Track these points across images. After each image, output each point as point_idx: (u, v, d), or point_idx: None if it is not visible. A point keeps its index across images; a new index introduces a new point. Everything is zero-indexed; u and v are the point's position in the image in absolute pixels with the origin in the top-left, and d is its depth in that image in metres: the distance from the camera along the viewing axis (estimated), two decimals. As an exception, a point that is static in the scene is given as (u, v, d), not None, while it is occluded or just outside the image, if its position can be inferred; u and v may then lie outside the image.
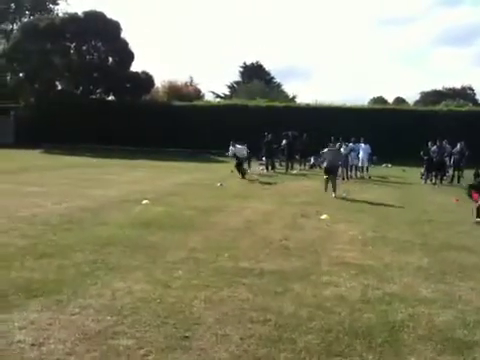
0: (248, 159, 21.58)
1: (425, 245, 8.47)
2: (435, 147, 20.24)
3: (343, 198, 13.99)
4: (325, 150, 15.28)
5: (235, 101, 38.86)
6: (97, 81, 38.75)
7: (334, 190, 14.32)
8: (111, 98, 40.19)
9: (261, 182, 18.32)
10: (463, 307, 5.44)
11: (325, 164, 15.18)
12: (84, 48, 38.85)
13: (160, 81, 45.26)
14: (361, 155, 21.37)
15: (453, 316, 5.15)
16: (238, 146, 19.83)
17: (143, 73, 39.59)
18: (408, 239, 8.86)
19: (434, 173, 19.87)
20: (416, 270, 6.87)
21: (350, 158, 20.85)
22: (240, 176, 18.95)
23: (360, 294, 5.74)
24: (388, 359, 4.13)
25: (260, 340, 4.42)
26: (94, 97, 39.20)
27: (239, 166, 19.40)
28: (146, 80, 39.31)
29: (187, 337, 4.43)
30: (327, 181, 14.80)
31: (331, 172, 14.84)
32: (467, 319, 5.06)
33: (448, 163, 20.36)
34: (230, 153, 20.45)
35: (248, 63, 64.21)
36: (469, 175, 20.41)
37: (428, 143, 20.81)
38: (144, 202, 11.72)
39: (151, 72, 40.11)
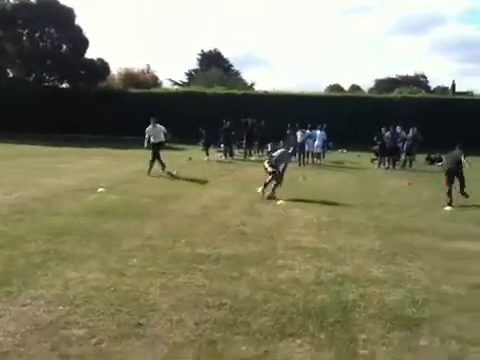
0: (208, 146, 21.57)
1: (377, 228, 8.71)
2: (388, 133, 20.75)
3: (300, 183, 14.16)
4: (277, 153, 12.60)
5: (193, 88, 38.53)
6: (50, 68, 37.58)
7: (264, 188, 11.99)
8: (65, 85, 39.12)
9: (219, 169, 18.31)
10: (412, 286, 5.63)
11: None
12: (37, 35, 37.51)
13: (116, 68, 44.45)
14: (317, 142, 21.66)
15: (402, 295, 5.33)
16: (158, 126, 16.45)
17: (98, 60, 38.67)
18: (361, 222, 9.08)
19: (387, 158, 20.38)
20: (368, 252, 7.06)
21: (307, 145, 21.14)
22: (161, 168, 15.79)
23: (314, 276, 5.86)
24: (340, 338, 4.23)
25: (215, 324, 4.45)
26: (47, 85, 38.04)
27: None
28: (101, 67, 38.42)
29: (141, 324, 4.41)
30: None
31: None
32: (416, 298, 5.24)
33: (401, 148, 20.90)
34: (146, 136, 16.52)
35: (206, 50, 63.74)
36: (421, 159, 21.14)
37: (381, 129, 21.30)
38: (99, 190, 11.50)
39: (107, 59, 39.36)
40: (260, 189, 11.89)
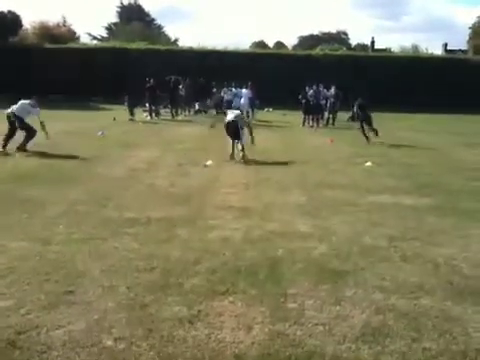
0: (133, 106, 20.95)
1: (302, 184, 8.98)
2: (312, 91, 21.17)
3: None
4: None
5: (113, 43, 36.85)
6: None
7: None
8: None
9: (145, 130, 17.91)
10: (336, 239, 5.89)
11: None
12: None
13: (29, 22, 41.49)
14: (242, 100, 21.68)
15: (328, 248, 5.57)
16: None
17: (9, 13, 35.95)
18: (288, 179, 9.32)
19: (311, 116, 20.84)
20: (294, 208, 7.28)
21: (234, 103, 21.10)
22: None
23: (243, 234, 5.97)
24: (270, 293, 4.38)
25: (147, 287, 4.44)
26: None
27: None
28: (12, 20, 35.81)
29: (71, 292, 4.31)
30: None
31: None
32: (340, 250, 5.50)
33: (324, 106, 21.43)
34: None
35: (126, 3, 60.99)
36: (343, 117, 21.82)
37: (306, 87, 21.67)
38: (17, 155, 10.91)
39: (18, 12, 36.58)
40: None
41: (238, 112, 12.29)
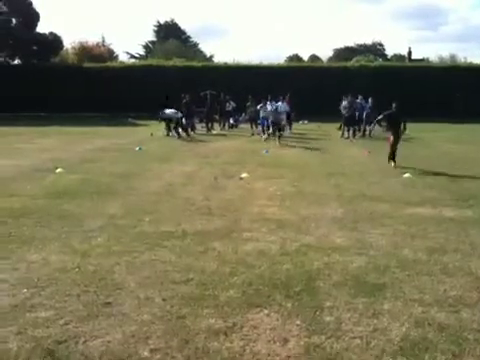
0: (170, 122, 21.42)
1: (339, 196, 8.87)
2: (346, 102, 20.98)
3: (264, 155, 14.23)
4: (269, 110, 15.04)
5: (151, 62, 37.68)
6: (0, 44, 35.93)
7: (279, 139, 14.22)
8: (17, 62, 37.60)
9: (181, 144, 18.15)
10: (374, 252, 5.78)
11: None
12: (-16, 10, 35.79)
13: (69, 42, 42.97)
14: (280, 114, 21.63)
15: (365, 262, 5.47)
16: (167, 111, 20.50)
17: (51, 34, 37.29)
18: (324, 192, 9.23)
19: (347, 128, 20.65)
20: (331, 221, 7.20)
21: (272, 118, 21.09)
22: (177, 136, 19.98)
23: (279, 247, 5.94)
24: (306, 306, 4.33)
25: (183, 299, 4.47)
26: (-2, 62, 36.50)
27: (176, 127, 20.43)
28: (54, 41, 37.15)
29: (109, 303, 4.39)
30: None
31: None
32: (378, 263, 5.40)
33: (361, 118, 21.16)
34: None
35: (162, 22, 62.35)
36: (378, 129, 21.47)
37: (342, 99, 21.52)
38: (58, 171, 11.23)
39: (59, 33, 37.96)
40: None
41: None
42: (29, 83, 31.98)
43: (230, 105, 24.96)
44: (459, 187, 9.68)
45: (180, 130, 20.48)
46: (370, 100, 21.48)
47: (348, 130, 20.57)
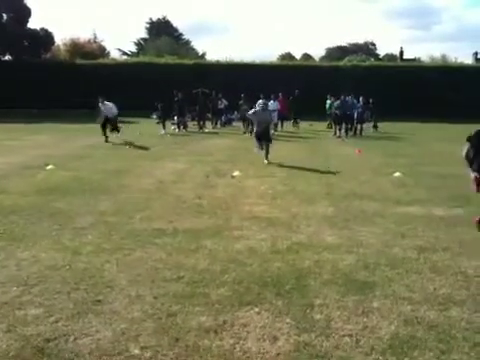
0: (165, 119, 21.31)
1: (330, 195, 8.90)
2: (338, 102, 21.07)
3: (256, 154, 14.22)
4: (255, 110, 13.13)
5: (142, 59, 37.62)
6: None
7: (266, 155, 12.61)
8: (8, 58, 37.32)
9: (173, 142, 18.11)
10: (364, 251, 5.80)
11: (255, 128, 13.05)
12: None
13: (61, 38, 42.74)
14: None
15: (355, 260, 5.50)
16: (107, 104, 17.50)
17: (42, 30, 37.07)
18: (315, 190, 9.26)
19: (338, 127, 20.73)
20: (322, 219, 7.23)
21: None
22: (104, 137, 17.16)
23: (270, 245, 5.96)
24: (296, 304, 4.34)
25: (174, 297, 4.47)
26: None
27: (105, 126, 17.37)
28: (45, 37, 36.90)
29: (99, 301, 4.37)
30: (261, 145, 12.83)
31: (263, 136, 12.71)
32: (368, 262, 5.42)
33: (355, 117, 21.26)
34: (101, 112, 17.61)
35: (154, 19, 62.13)
36: (368, 127, 21.63)
37: (329, 97, 21.73)
38: (49, 167, 11.17)
39: (50, 29, 37.73)
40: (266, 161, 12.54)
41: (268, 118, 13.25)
42: (21, 79, 31.78)
43: (222, 103, 24.95)
44: (449, 186, 9.75)
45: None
46: (361, 99, 21.60)
47: (340, 129, 20.65)
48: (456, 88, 30.30)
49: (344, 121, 20.55)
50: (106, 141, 16.97)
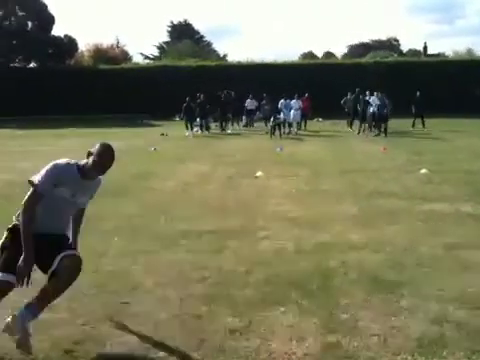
0: (191, 121, 21.75)
1: (355, 193, 8.81)
2: (377, 100, 20.75)
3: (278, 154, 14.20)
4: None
5: (165, 62, 37.98)
6: (16, 48, 36.45)
7: None
8: (33, 65, 38.12)
9: (196, 144, 18.21)
10: (391, 249, 5.72)
11: None
12: (0, 13, 36.24)
13: (84, 44, 43.44)
14: (292, 111, 21.64)
15: (382, 259, 5.42)
16: None
17: (66, 37, 37.75)
18: (339, 189, 9.18)
19: (359, 124, 20.53)
20: (347, 218, 7.15)
21: (283, 114, 21.09)
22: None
23: (294, 245, 5.92)
24: (322, 304, 4.31)
25: (199, 298, 4.48)
26: (14, 65, 36.98)
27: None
28: (69, 44, 37.57)
29: (126, 303, 4.41)
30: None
31: None
32: (395, 260, 5.34)
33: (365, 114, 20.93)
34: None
35: (175, 22, 62.59)
36: (392, 124, 21.35)
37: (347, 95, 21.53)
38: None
39: (74, 35, 38.42)
40: None
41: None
42: (46, 86, 32.41)
43: (253, 104, 25.18)
44: (477, 182, 9.55)
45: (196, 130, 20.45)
46: (379, 95, 20.94)
47: (363, 126, 20.43)
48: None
49: (381, 121, 19.99)
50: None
